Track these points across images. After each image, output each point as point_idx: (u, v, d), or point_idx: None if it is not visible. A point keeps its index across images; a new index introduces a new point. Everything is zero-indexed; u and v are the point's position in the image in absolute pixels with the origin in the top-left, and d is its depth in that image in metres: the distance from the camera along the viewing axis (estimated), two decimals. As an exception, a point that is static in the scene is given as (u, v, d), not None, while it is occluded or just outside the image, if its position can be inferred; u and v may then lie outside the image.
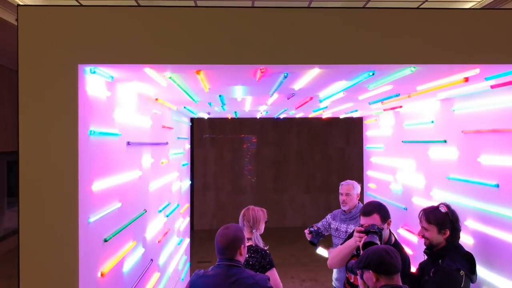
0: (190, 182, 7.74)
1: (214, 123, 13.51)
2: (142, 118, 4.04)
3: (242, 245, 3.05)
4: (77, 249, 2.46)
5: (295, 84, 3.39)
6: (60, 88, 2.45)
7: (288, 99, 4.25)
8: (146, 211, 4.09)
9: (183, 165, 6.80)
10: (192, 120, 13.16)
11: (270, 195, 13.80)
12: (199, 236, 12.82)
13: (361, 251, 3.48)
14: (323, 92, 3.85)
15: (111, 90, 3.04)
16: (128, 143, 3.50)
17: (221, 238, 3.04)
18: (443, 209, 3.41)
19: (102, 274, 2.82)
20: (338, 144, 14.02)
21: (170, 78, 2.83)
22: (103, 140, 2.91)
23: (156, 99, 4.33)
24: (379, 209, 3.74)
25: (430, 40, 2.55)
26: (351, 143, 13.88)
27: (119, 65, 2.53)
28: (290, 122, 13.58)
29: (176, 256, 5.94)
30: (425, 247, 3.49)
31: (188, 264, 7.42)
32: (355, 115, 7.05)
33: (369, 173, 7.33)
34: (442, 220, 3.37)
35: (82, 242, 2.52)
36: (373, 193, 6.96)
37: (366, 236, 3.48)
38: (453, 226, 3.36)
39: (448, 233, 3.34)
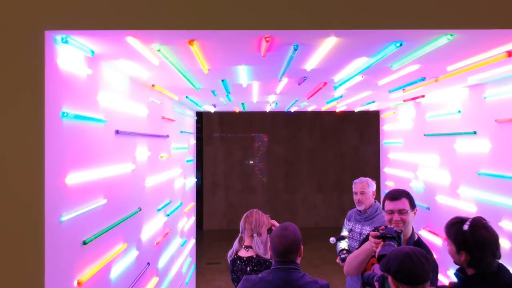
0: (195, 180, 7.32)
1: (224, 120, 13.13)
2: (136, 105, 3.63)
3: (302, 246, 2.87)
4: (42, 254, 2.04)
5: (307, 64, 2.94)
6: (22, 58, 2.03)
7: (299, 84, 3.80)
8: (140, 210, 3.68)
9: (188, 161, 6.38)
10: (201, 116, 12.90)
11: (281, 194, 13.38)
12: (208, 236, 12.47)
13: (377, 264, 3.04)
14: (339, 75, 3.39)
15: (93, 68, 2.63)
16: (117, 132, 3.08)
17: (280, 240, 2.81)
18: (465, 226, 2.62)
19: (79, 283, 2.40)
20: (352, 142, 13.55)
21: (159, 51, 2.40)
22: (82, 125, 2.50)
23: (153, 85, 3.91)
24: (407, 194, 3.32)
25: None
26: (365, 140, 13.39)
27: (95, 32, 2.11)
28: (301, 119, 13.15)
29: (179, 258, 5.53)
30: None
31: (193, 267, 7.01)
32: (371, 107, 6.58)
33: (386, 170, 6.87)
34: (458, 238, 2.63)
35: (50, 246, 2.10)
36: (391, 192, 6.49)
37: (383, 242, 3.02)
38: (470, 251, 2.58)
39: (464, 257, 2.61)
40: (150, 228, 4.06)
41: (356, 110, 6.97)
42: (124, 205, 3.27)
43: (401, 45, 2.33)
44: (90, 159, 2.61)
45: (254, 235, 3.60)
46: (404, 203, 3.20)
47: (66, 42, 2.17)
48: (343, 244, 4.61)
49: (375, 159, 13.57)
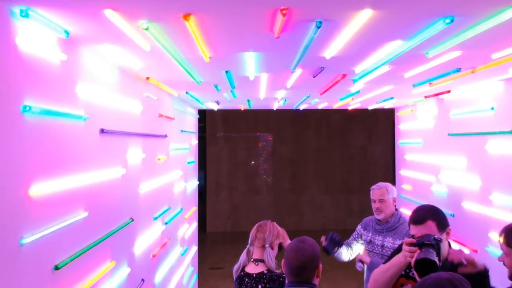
0: (198, 182, 6.85)
1: (228, 119, 12.67)
2: (128, 101, 3.16)
3: (320, 265, 2.41)
4: (-8, 290, 1.57)
5: (327, 49, 2.46)
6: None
7: (314, 77, 3.33)
8: (133, 220, 3.21)
9: (189, 162, 5.91)
10: (204, 115, 12.42)
11: (287, 195, 12.91)
12: (212, 239, 12.03)
13: (415, 274, 2.55)
14: (362, 64, 2.92)
15: (69, 53, 2.16)
16: (103, 131, 2.62)
17: (296, 255, 2.35)
18: None
19: (49, 318, 1.94)
20: (360, 142, 13.06)
21: (147, 29, 1.93)
22: (54, 122, 2.03)
23: (147, 78, 3.44)
24: (434, 214, 2.74)
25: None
26: (374, 140, 12.91)
27: (63, 1, 1.63)
28: (308, 118, 12.69)
29: (179, 269, 5.06)
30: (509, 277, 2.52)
31: (195, 276, 6.54)
32: (387, 105, 6.09)
33: (403, 172, 6.38)
34: None
35: (5, 277, 1.63)
36: (408, 196, 6.01)
37: (419, 251, 2.53)
38: None
39: None
40: (145, 239, 3.60)
41: (370, 107, 6.49)
42: (111, 216, 2.80)
43: (451, 21, 1.85)
44: (66, 164, 2.14)
45: (266, 246, 3.13)
46: (429, 228, 2.64)
47: (27, 16, 1.70)
48: (343, 251, 4.02)
49: (384, 159, 13.14)
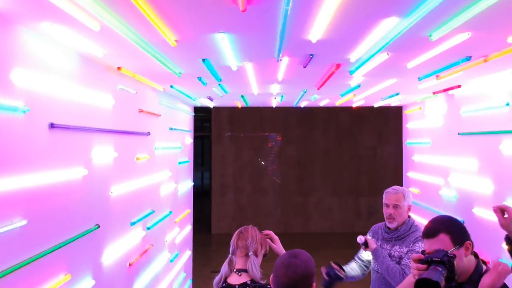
0: (192, 184, 6.48)
1: (233, 118, 12.36)
2: (94, 93, 2.81)
3: (314, 284, 2.09)
4: None
5: (311, 31, 2.09)
6: None
7: (304, 67, 2.95)
8: (99, 227, 2.86)
9: (181, 162, 5.55)
10: (210, 115, 12.09)
11: (293, 197, 12.54)
12: (217, 241, 11.73)
13: None
14: (357, 51, 2.53)
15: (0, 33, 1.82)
16: (53, 126, 2.27)
17: (286, 271, 2.03)
18: None
19: None
20: (369, 142, 12.64)
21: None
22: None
23: (119, 68, 3.09)
24: (448, 226, 2.29)
25: None
26: (384, 140, 12.48)
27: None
28: (315, 117, 12.33)
29: (166, 277, 4.71)
30: None
31: (189, 281, 6.19)
32: (393, 102, 5.69)
33: (410, 174, 5.98)
34: None
35: None
36: (415, 200, 5.59)
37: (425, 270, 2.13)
38: None
39: None
40: (119, 247, 3.25)
41: (376, 105, 6.08)
42: (66, 223, 2.45)
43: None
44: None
45: (250, 253, 2.77)
46: (442, 242, 2.21)
47: None
48: (353, 266, 3.63)
49: (394, 161, 12.67)
